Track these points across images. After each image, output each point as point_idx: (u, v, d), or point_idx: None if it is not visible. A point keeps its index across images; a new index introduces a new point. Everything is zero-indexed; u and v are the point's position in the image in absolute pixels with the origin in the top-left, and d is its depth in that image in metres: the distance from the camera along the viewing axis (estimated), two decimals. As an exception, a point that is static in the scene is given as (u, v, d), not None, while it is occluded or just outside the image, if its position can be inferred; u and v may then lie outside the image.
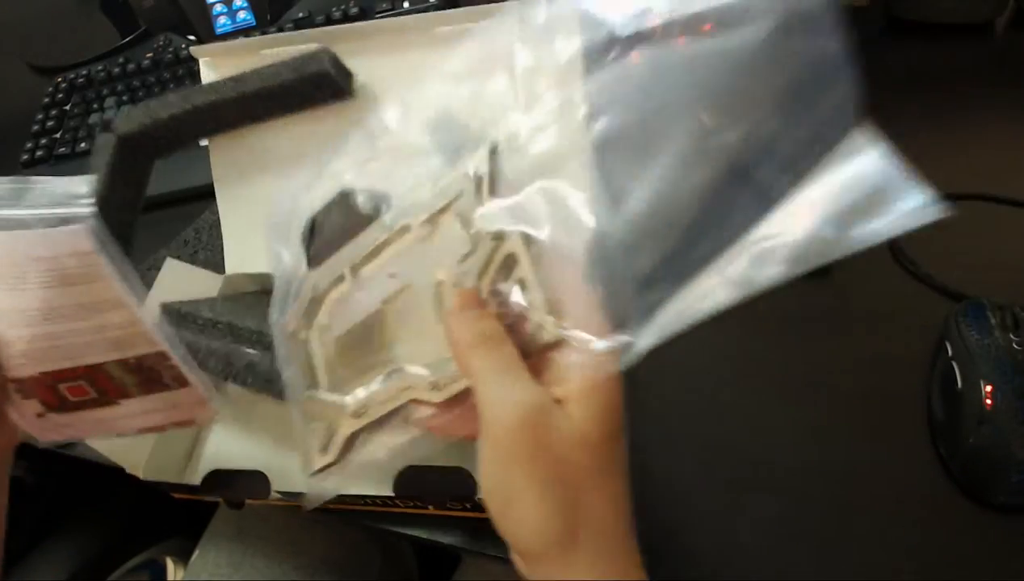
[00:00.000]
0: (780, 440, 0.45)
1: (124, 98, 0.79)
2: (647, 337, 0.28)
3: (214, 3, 0.84)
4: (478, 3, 0.43)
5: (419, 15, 0.49)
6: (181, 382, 0.35)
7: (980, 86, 0.60)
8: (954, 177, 0.54)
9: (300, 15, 0.80)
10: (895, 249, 0.51)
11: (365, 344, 0.34)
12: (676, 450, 0.46)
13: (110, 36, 0.93)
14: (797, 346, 0.48)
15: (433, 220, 0.32)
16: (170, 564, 0.75)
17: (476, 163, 0.31)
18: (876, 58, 0.64)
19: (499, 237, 0.30)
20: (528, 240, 0.29)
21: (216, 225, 0.60)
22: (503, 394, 0.28)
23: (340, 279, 0.35)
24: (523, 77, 0.31)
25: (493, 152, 0.31)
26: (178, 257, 0.58)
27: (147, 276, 0.56)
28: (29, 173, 0.77)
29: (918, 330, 0.47)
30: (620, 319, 0.28)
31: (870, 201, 0.29)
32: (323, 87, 0.49)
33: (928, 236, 0.51)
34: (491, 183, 0.31)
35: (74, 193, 0.31)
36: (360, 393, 0.34)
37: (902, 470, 0.43)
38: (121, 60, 0.83)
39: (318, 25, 0.76)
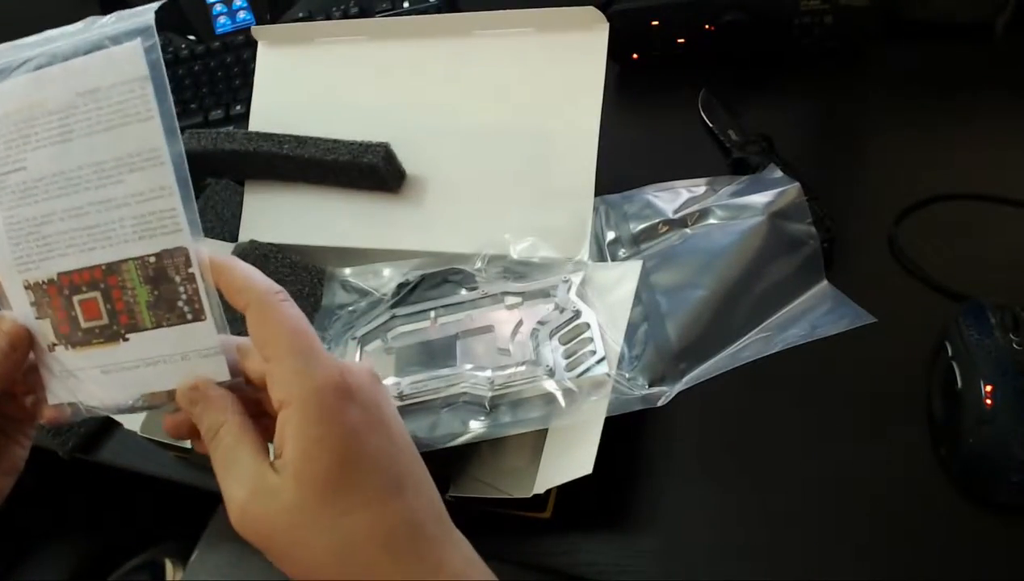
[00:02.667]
0: (780, 440, 0.45)
1: (124, 98, 0.79)
2: (678, 387, 0.44)
3: (214, 3, 0.84)
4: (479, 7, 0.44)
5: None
6: (196, 311, 0.31)
7: (980, 86, 0.60)
8: (954, 177, 0.54)
9: (300, 15, 0.80)
10: (895, 249, 0.51)
11: (425, 359, 0.47)
12: (676, 451, 0.46)
13: (110, 36, 0.93)
14: (796, 346, 0.48)
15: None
16: (169, 565, 0.75)
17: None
18: (876, 58, 0.64)
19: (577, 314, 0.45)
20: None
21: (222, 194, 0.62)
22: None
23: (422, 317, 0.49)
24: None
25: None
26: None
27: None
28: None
29: (918, 330, 0.47)
30: (661, 375, 0.45)
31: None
32: (371, 177, 0.53)
33: (928, 236, 0.51)
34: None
35: (138, 14, 0.28)
36: (407, 379, 0.44)
37: (902, 470, 0.43)
38: (121, 60, 0.83)
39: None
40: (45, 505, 0.76)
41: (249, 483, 0.29)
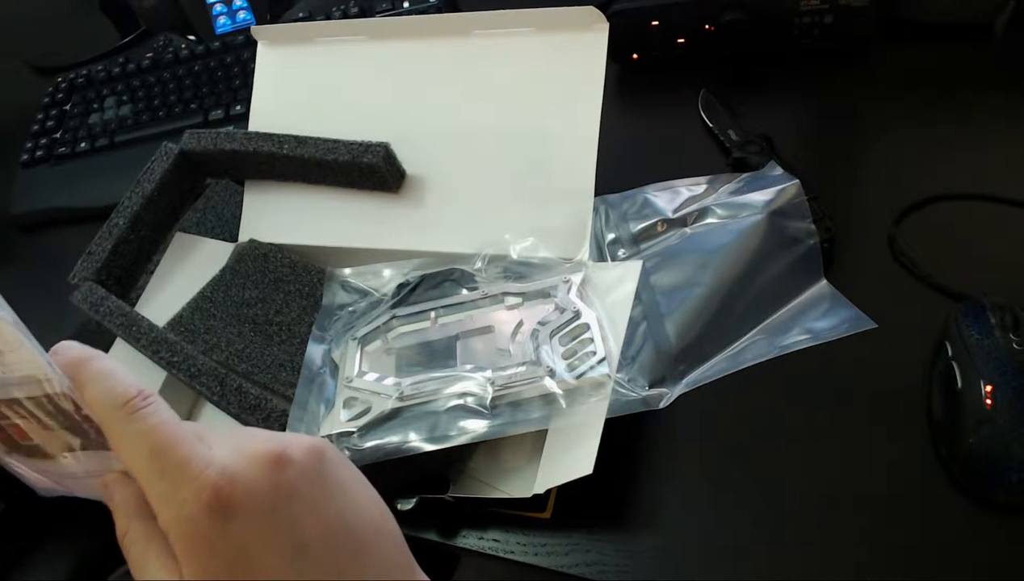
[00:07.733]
0: (779, 439, 0.45)
1: (124, 98, 0.79)
2: (678, 390, 0.44)
3: (214, 3, 0.84)
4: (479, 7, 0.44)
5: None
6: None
7: (980, 86, 0.60)
8: (954, 177, 0.54)
9: (300, 15, 0.80)
10: (895, 249, 0.51)
11: (425, 360, 0.47)
12: (676, 451, 0.46)
13: (110, 36, 0.93)
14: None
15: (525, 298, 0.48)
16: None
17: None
18: (876, 58, 0.64)
19: (577, 314, 0.45)
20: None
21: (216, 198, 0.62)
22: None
23: (423, 318, 0.49)
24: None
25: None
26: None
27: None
28: (29, 173, 0.77)
29: (918, 330, 0.47)
30: (661, 375, 0.44)
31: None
32: (371, 177, 0.53)
33: (928, 236, 0.51)
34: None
35: None
36: (407, 380, 0.44)
37: (902, 470, 0.43)
38: (121, 60, 0.83)
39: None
40: (45, 505, 0.75)
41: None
